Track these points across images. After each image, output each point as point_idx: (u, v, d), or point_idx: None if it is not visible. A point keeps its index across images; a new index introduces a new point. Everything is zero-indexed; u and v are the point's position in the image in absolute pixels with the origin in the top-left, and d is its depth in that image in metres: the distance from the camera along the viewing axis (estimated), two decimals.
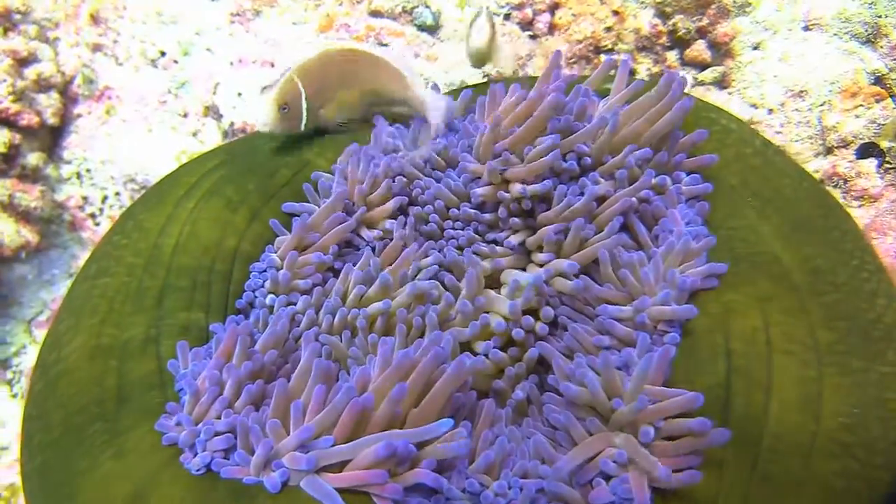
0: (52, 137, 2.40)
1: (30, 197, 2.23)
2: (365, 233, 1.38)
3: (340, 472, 1.01)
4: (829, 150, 2.65)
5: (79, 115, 2.37)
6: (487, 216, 1.35)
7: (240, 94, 2.19)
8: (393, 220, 1.37)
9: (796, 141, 2.70)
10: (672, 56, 2.83)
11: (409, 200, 1.40)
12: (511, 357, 1.25)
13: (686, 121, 1.37)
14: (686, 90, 1.33)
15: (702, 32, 2.79)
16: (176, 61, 2.32)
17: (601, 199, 1.28)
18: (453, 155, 1.38)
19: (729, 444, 1.06)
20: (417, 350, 1.06)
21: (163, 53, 2.32)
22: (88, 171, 2.32)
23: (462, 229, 1.37)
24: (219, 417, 1.07)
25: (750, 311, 1.16)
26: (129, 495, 1.05)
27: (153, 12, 2.41)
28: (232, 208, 1.36)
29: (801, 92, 2.78)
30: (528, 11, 2.59)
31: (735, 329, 1.14)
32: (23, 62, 2.32)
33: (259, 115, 1.42)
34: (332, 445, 1.00)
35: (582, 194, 1.27)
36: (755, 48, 2.90)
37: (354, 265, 1.30)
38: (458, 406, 1.12)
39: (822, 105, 2.73)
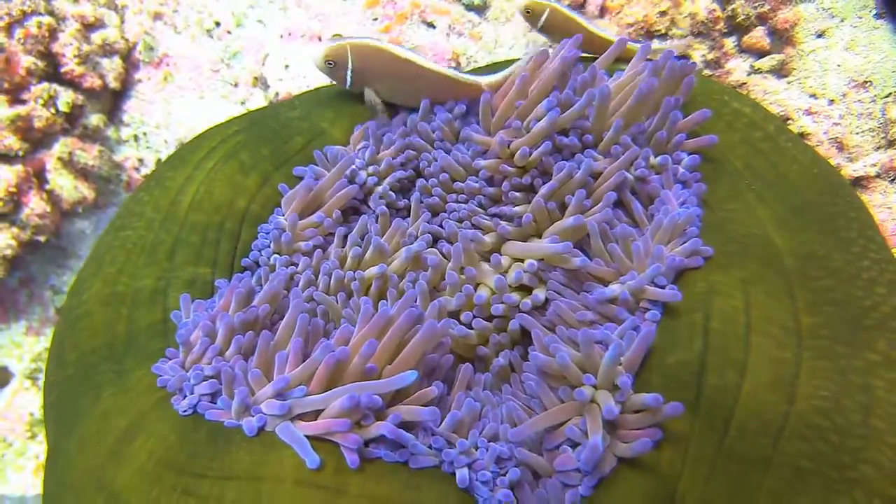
0: (113, 100, 2.52)
1: (88, 155, 2.35)
2: (372, 203, 1.43)
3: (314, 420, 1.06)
4: (890, 143, 2.57)
5: (139, 81, 2.49)
6: (491, 189, 1.38)
7: (287, 67, 2.26)
8: (392, 193, 1.42)
9: (856, 133, 2.63)
10: (730, 43, 2.76)
11: (417, 173, 1.44)
12: (496, 327, 1.28)
13: (697, 103, 1.36)
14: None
15: (762, 18, 2.72)
16: (229, 32, 2.40)
17: (598, 176, 1.29)
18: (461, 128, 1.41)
19: (698, 419, 1.07)
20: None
21: (217, 24, 2.41)
22: (145, 134, 2.44)
23: (465, 202, 1.40)
24: (209, 364, 1.14)
25: (733, 291, 1.16)
26: (123, 429, 1.13)
27: None
28: (245, 172, 1.42)
29: (866, 83, 2.69)
30: None
31: (716, 309, 1.14)
32: (90, 27, 2.44)
33: (311, 55, 1.52)
34: (306, 395, 1.06)
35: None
36: (819, 36, 2.82)
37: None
38: (434, 366, 1.16)
39: (886, 97, 2.65)
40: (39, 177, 2.33)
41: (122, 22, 2.54)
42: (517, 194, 1.35)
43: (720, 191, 1.29)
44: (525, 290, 1.31)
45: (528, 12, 1.66)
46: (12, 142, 2.26)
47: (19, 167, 2.26)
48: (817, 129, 2.59)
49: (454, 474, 1.07)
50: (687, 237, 1.20)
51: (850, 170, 2.52)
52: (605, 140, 1.30)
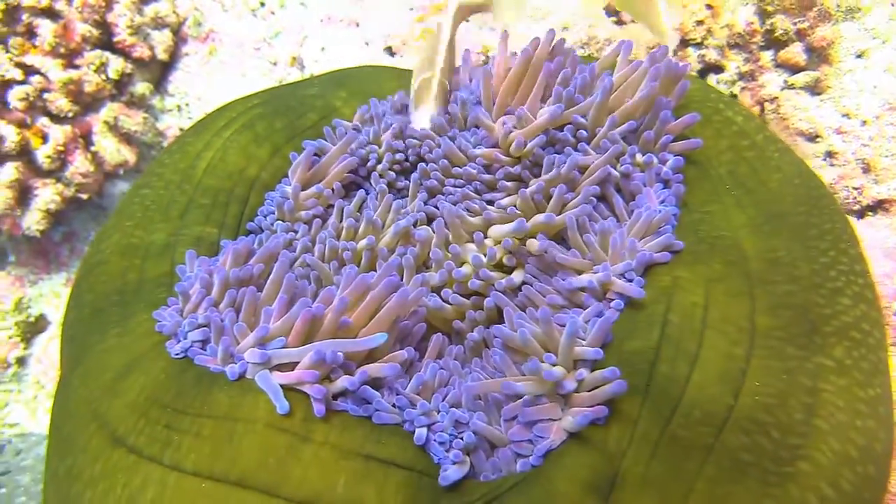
0: (161, 71, 2.66)
1: (132, 121, 2.49)
2: (373, 180, 1.52)
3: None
4: None
5: (186, 54, 2.62)
6: (487, 176, 1.45)
7: (323, 49, 2.37)
8: (393, 173, 1.51)
9: (885, 156, 2.63)
10: (766, 56, 2.78)
11: (419, 158, 1.52)
12: (473, 304, 1.36)
13: (691, 107, 1.42)
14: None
15: (801, 35, 2.74)
16: (273, 13, 2.52)
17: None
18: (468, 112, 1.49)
19: (647, 403, 1.14)
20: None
21: (262, 4, 2.53)
22: (187, 104, 2.57)
23: (461, 187, 1.47)
24: (203, 313, 1.24)
25: (696, 288, 1.22)
26: (121, 366, 1.24)
27: None
28: (258, 142, 1.52)
29: None
30: None
31: (676, 303, 1.21)
32: (144, 0, 2.58)
33: None
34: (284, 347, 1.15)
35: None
36: (859, 56, 2.82)
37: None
38: (407, 333, 1.24)
39: None
40: (86, 138, 2.48)
41: None
42: (508, 184, 1.42)
43: (701, 193, 1.35)
44: (507, 272, 1.38)
45: None
46: (63, 104, 2.40)
47: (68, 128, 2.41)
48: (845, 149, 2.60)
49: (415, 433, 1.16)
50: (660, 234, 1.26)
51: (875, 191, 2.53)
52: (598, 136, 1.36)
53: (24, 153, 2.38)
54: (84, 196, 2.48)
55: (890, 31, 2.79)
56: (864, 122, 2.68)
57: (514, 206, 1.36)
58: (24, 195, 2.42)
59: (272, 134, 1.54)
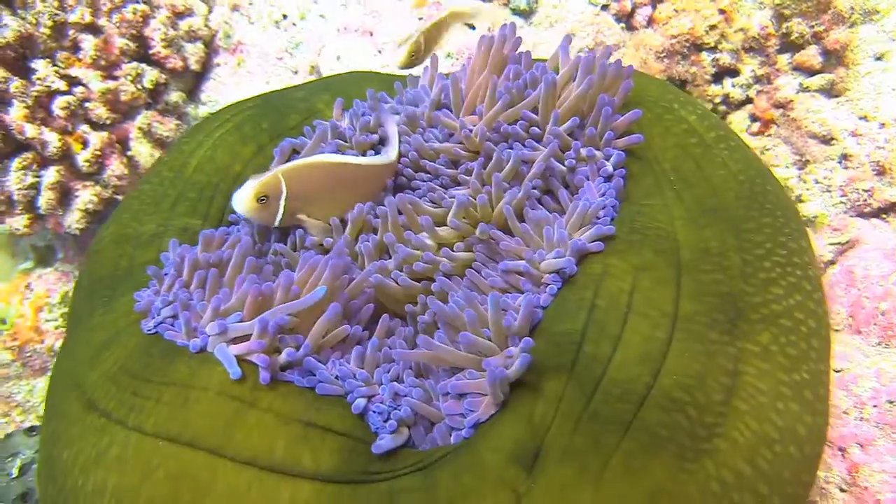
0: (195, 81, 2.84)
1: (164, 128, 2.67)
2: None
3: None
4: None
5: (217, 65, 2.79)
6: (450, 171, 1.55)
7: (338, 58, 2.50)
8: None
9: None
10: (783, 59, 2.80)
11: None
12: (424, 288, 1.45)
13: (643, 105, 1.49)
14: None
15: (817, 38, 2.74)
16: (294, 24, 2.67)
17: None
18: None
19: (572, 381, 1.21)
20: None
21: (285, 16, 2.68)
22: None
23: (429, 181, 1.57)
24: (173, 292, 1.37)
25: (624, 275, 1.29)
26: (102, 340, 1.39)
27: None
28: (244, 141, 1.66)
29: None
30: (627, 4, 2.68)
31: (605, 288, 1.28)
32: (179, 15, 2.77)
33: (238, 199, 1.44)
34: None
35: None
36: (878, 58, 2.81)
37: None
38: (354, 311, 1.35)
39: None
40: (123, 144, 2.67)
41: (210, 11, 2.86)
42: (466, 177, 1.51)
43: (643, 187, 1.42)
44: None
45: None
46: (102, 112, 2.59)
47: (105, 134, 2.59)
48: (860, 152, 2.59)
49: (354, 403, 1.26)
50: (593, 224, 1.33)
51: (888, 194, 2.52)
52: (547, 132, 1.45)
53: (65, 158, 2.57)
54: (120, 197, 2.67)
55: None
56: (883, 125, 2.66)
57: (461, 194, 1.45)
58: (65, 196, 2.61)
59: (257, 134, 1.67)
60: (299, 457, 1.19)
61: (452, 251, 1.44)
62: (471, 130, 1.50)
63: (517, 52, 1.54)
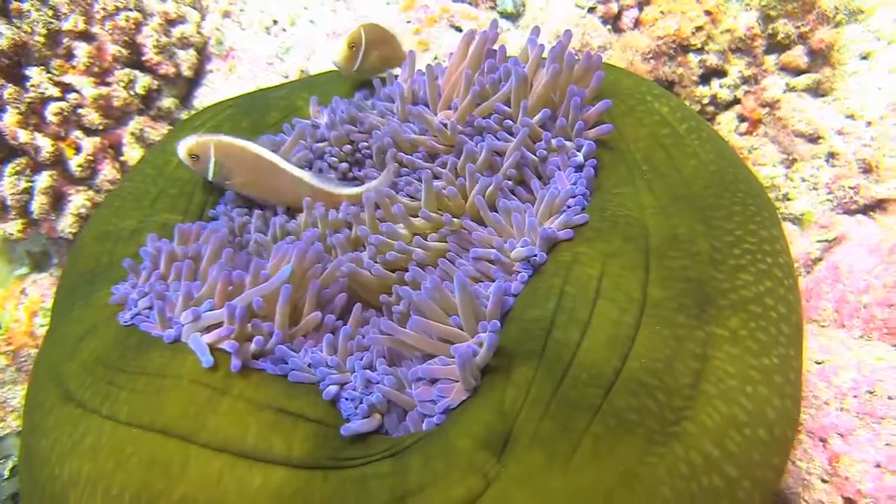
0: (188, 87, 2.87)
1: (157, 133, 2.70)
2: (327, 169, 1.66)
3: None
4: None
5: (210, 71, 2.82)
6: (427, 164, 1.56)
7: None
8: (345, 164, 1.64)
9: (889, 156, 2.61)
10: (770, 60, 2.82)
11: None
12: (399, 278, 1.47)
13: (617, 97, 1.51)
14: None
15: (802, 38, 2.76)
16: (284, 30, 2.70)
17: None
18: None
19: (541, 367, 1.22)
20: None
21: (275, 22, 2.71)
22: None
23: (406, 174, 1.59)
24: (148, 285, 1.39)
25: (593, 262, 1.30)
26: (80, 333, 1.41)
27: None
28: None
29: None
30: (614, 6, 2.70)
31: (574, 275, 1.29)
32: (171, 22, 2.80)
33: (181, 144, 1.61)
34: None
35: None
36: (864, 58, 2.83)
37: None
38: (327, 301, 1.37)
39: None
40: (116, 149, 2.70)
41: (203, 19, 2.89)
42: (442, 170, 1.53)
43: (614, 177, 1.43)
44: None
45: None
46: (95, 117, 2.62)
47: (97, 139, 2.62)
48: (846, 150, 2.60)
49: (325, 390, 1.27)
50: (562, 212, 1.35)
51: (874, 191, 2.53)
52: (517, 122, 1.46)
53: (58, 163, 2.60)
54: None
55: (894, 32, 2.78)
56: (869, 123, 2.68)
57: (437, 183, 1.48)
58: (58, 201, 2.64)
59: (238, 132, 1.69)
60: (271, 443, 1.20)
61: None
62: (445, 125, 1.51)
63: (492, 48, 1.55)
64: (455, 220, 1.42)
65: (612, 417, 1.19)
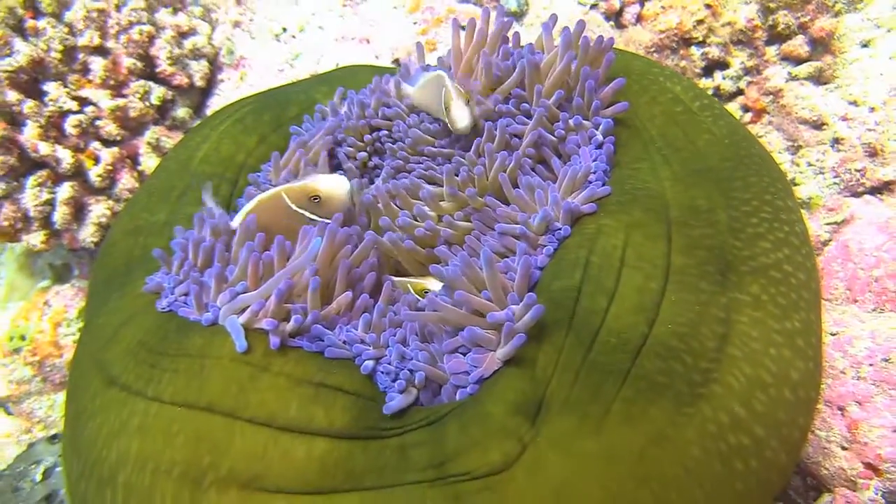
0: (200, 97, 2.93)
1: (172, 142, 2.75)
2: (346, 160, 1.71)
3: None
4: None
5: (221, 80, 2.88)
6: (446, 150, 1.61)
7: (337, 65, 2.58)
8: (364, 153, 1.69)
9: (893, 140, 2.65)
10: (772, 51, 2.86)
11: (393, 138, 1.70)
12: (428, 254, 1.51)
13: (631, 78, 1.56)
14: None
15: (803, 28, 2.81)
16: (294, 37, 2.76)
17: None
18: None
19: (570, 334, 1.26)
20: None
21: (284, 29, 2.77)
22: None
23: (423, 162, 1.64)
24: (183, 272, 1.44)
25: (617, 233, 1.34)
26: (119, 322, 1.45)
27: None
28: (247, 133, 1.74)
29: None
30: (616, 2, 2.76)
31: (598, 246, 1.33)
32: (183, 35, 2.87)
33: None
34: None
35: None
36: (864, 45, 2.87)
37: None
38: (357, 277, 1.41)
39: None
40: (133, 159, 2.75)
41: (213, 30, 2.95)
42: (462, 154, 1.58)
43: (632, 152, 1.47)
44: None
45: None
46: (112, 129, 2.68)
47: (115, 150, 2.68)
48: (851, 135, 2.64)
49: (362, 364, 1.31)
50: (585, 187, 1.39)
51: (881, 174, 2.57)
52: (534, 104, 1.51)
53: (78, 174, 2.66)
54: None
55: (894, 20, 2.83)
56: (873, 109, 2.72)
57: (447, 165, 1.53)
58: (79, 212, 2.69)
59: (259, 125, 1.75)
60: (312, 416, 1.24)
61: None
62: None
63: (506, 34, 1.60)
64: (479, 198, 1.46)
65: (641, 381, 1.22)
